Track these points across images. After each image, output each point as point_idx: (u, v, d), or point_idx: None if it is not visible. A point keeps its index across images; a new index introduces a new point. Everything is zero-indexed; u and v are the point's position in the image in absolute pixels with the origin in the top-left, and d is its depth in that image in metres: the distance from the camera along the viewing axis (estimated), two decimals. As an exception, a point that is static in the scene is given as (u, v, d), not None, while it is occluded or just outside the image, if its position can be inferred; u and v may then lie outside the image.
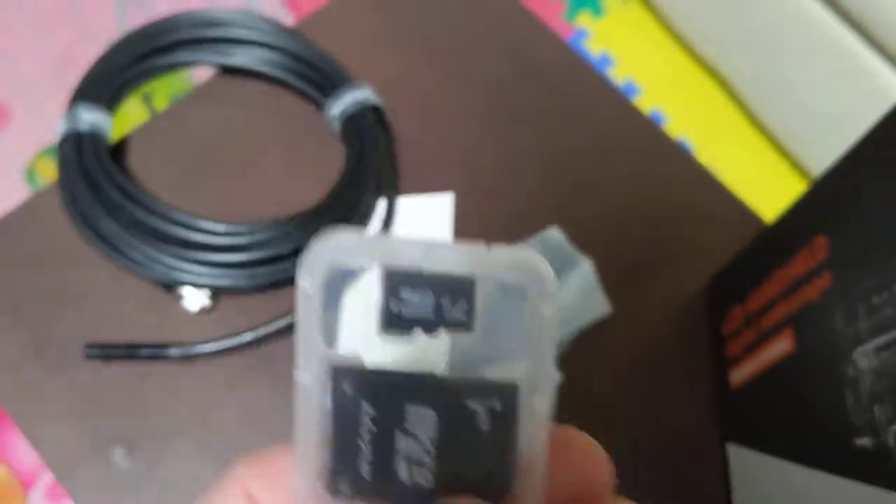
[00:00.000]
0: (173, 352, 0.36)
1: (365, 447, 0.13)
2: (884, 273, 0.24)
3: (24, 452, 0.85)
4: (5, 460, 0.85)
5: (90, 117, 0.38)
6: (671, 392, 0.39)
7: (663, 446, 0.38)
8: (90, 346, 0.36)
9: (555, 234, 0.40)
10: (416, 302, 0.13)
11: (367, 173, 0.39)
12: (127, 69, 0.40)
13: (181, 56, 0.41)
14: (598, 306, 0.39)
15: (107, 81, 0.39)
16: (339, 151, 0.42)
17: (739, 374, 0.36)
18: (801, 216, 0.32)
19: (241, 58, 0.42)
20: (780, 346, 0.32)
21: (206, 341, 0.36)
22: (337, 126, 0.41)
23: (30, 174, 1.01)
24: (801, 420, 0.30)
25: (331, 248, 0.13)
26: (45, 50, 1.09)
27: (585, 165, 0.44)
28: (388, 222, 0.40)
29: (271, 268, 0.37)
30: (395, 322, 0.13)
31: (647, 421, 0.38)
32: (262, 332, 0.37)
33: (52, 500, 0.84)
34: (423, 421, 0.13)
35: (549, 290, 0.13)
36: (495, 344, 0.13)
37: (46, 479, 0.85)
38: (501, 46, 0.47)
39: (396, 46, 0.46)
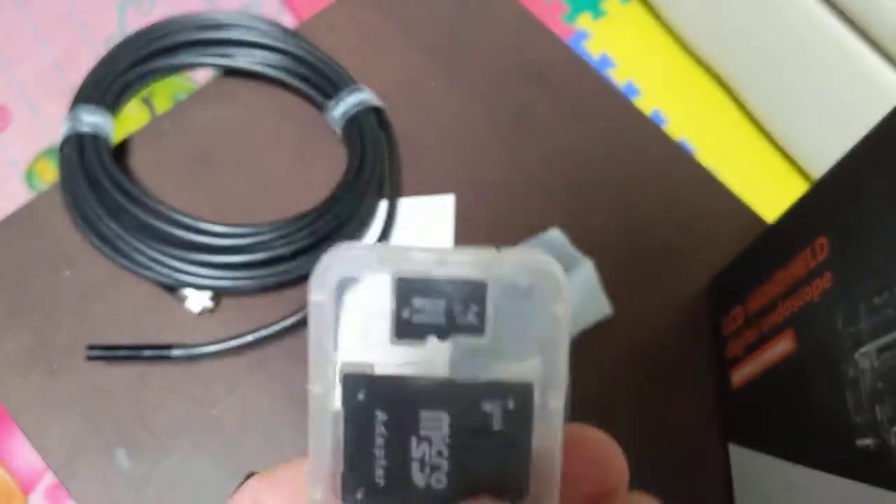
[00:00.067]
0: (176, 353, 0.36)
1: (379, 454, 0.13)
2: (885, 273, 0.24)
3: (24, 456, 0.85)
4: (6, 464, 0.85)
5: (92, 119, 0.38)
6: (672, 392, 0.39)
7: (665, 447, 0.38)
8: (92, 347, 0.36)
9: (556, 236, 0.40)
10: (428, 309, 0.13)
11: (368, 175, 0.39)
12: (129, 71, 0.40)
13: (183, 58, 0.41)
14: (600, 307, 0.39)
15: (109, 83, 0.40)
16: (340, 153, 0.42)
17: (740, 375, 0.36)
18: (802, 216, 0.32)
19: (242, 60, 0.42)
20: (781, 347, 0.32)
21: (208, 342, 0.36)
22: (338, 128, 0.41)
23: (29, 175, 1.01)
24: (802, 420, 0.30)
25: (341, 260, 0.13)
26: (45, 52, 1.09)
27: (587, 167, 0.44)
28: (389, 224, 0.40)
29: (273, 269, 0.37)
30: (407, 330, 0.13)
31: (649, 421, 0.38)
32: (263, 333, 0.37)
33: (52, 503, 0.84)
34: (437, 425, 0.13)
35: (561, 290, 0.13)
36: (508, 346, 0.13)
37: (46, 481, 0.84)
38: (503, 48, 0.47)
39: (398, 48, 0.46)
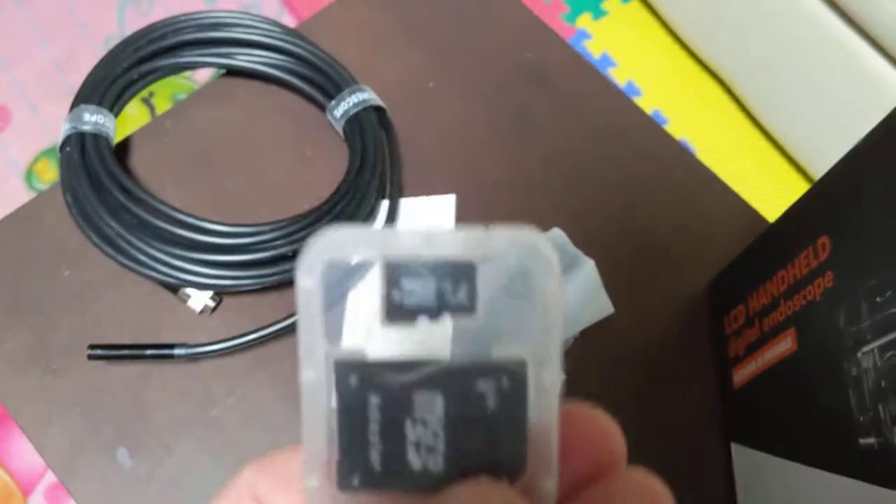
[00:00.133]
0: (178, 352, 0.36)
1: (374, 439, 0.13)
2: (887, 273, 0.24)
3: (23, 456, 0.85)
4: (5, 464, 0.85)
5: (93, 118, 0.38)
6: (673, 392, 0.39)
7: (666, 447, 0.38)
8: (93, 346, 0.36)
9: (558, 235, 0.40)
10: (418, 290, 0.13)
11: (369, 174, 0.39)
12: (129, 71, 0.40)
13: (185, 58, 0.41)
14: (602, 306, 0.39)
15: (109, 83, 0.39)
16: (341, 153, 0.42)
17: (742, 374, 0.36)
18: (803, 216, 0.32)
19: (243, 59, 0.42)
20: (783, 346, 0.32)
21: (210, 342, 0.36)
22: (340, 127, 0.41)
23: (29, 175, 1.01)
24: (804, 420, 0.30)
25: (328, 244, 0.13)
26: (45, 52, 1.09)
27: (588, 167, 0.44)
28: (390, 224, 0.40)
29: (274, 269, 0.37)
30: (397, 312, 0.13)
31: (650, 421, 0.38)
32: (264, 332, 0.37)
33: None
34: (431, 407, 0.13)
35: (551, 266, 0.13)
36: (500, 324, 0.13)
37: (45, 482, 0.84)
38: (504, 48, 0.47)
39: (398, 48, 0.46)
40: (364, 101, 0.41)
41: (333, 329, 0.13)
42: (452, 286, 0.13)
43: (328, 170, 0.42)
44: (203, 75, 1.04)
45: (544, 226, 0.41)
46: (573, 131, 0.45)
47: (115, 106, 0.40)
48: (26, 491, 0.84)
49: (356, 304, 0.12)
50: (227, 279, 0.36)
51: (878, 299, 0.25)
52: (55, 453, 0.35)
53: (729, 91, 1.07)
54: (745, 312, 0.36)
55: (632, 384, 0.39)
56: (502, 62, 0.46)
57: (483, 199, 0.42)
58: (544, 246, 0.13)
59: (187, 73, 1.05)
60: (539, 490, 0.13)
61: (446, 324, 0.13)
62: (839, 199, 0.29)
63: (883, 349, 0.24)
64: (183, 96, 0.43)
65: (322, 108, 0.42)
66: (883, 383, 0.24)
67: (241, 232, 0.36)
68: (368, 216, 0.40)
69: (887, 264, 0.25)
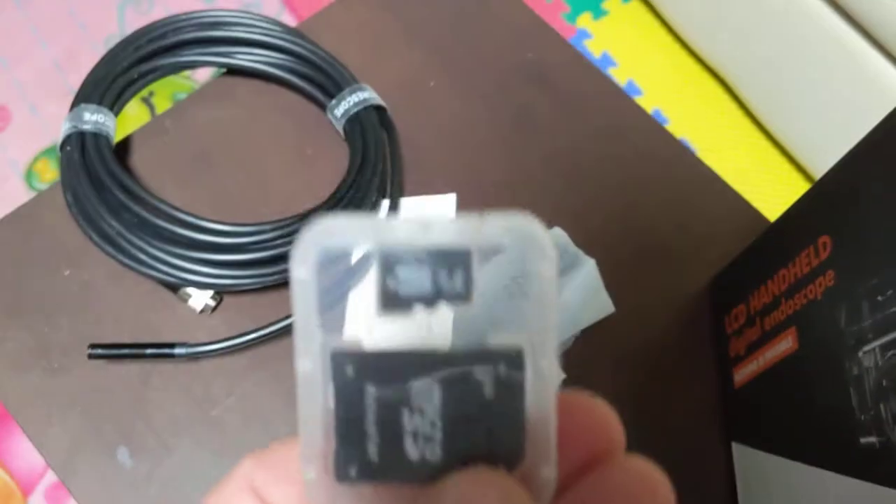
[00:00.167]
0: (179, 351, 0.36)
1: (371, 429, 0.13)
2: (888, 271, 0.24)
3: (23, 456, 0.85)
4: (5, 465, 0.85)
5: (94, 117, 0.38)
6: (674, 392, 0.39)
7: (667, 446, 0.38)
8: (93, 346, 0.36)
9: (559, 235, 0.40)
10: (414, 279, 0.13)
11: (370, 174, 0.39)
12: (130, 70, 0.40)
13: (185, 57, 0.41)
14: (603, 306, 0.39)
15: (109, 82, 0.39)
16: (342, 152, 0.42)
17: (743, 373, 0.36)
18: (804, 215, 0.32)
19: (243, 58, 0.42)
20: (784, 345, 0.32)
21: (210, 341, 0.36)
22: (340, 126, 0.41)
23: (29, 175, 1.01)
24: (805, 419, 0.30)
25: (322, 233, 0.12)
26: (45, 52, 1.09)
27: (589, 166, 0.44)
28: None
29: (275, 268, 0.37)
30: (393, 301, 0.13)
31: (651, 420, 0.38)
32: (265, 331, 0.37)
33: None
34: (428, 395, 0.13)
35: (546, 251, 0.12)
36: (496, 311, 0.13)
37: (46, 482, 0.84)
38: (505, 47, 0.47)
39: (398, 47, 0.46)
40: (365, 100, 0.41)
41: (329, 319, 0.13)
42: (448, 274, 0.13)
43: (329, 169, 0.41)
44: (203, 74, 1.04)
45: (545, 225, 0.41)
46: (574, 131, 0.45)
47: (115, 105, 0.39)
48: (26, 491, 0.84)
49: (351, 293, 0.12)
50: (227, 278, 0.36)
51: (880, 298, 0.25)
52: (55, 453, 0.35)
53: (729, 90, 1.07)
54: (746, 311, 0.36)
55: (632, 383, 0.39)
56: (503, 61, 0.46)
57: (483, 198, 0.42)
58: (539, 231, 0.13)
59: (187, 73, 1.05)
60: (538, 478, 0.13)
61: (442, 312, 0.13)
62: (840, 198, 0.29)
63: (884, 348, 0.24)
64: (183, 96, 0.43)
65: (322, 107, 0.42)
66: (884, 382, 0.24)
67: (241, 231, 0.36)
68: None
69: (888, 263, 0.25)
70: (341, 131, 0.41)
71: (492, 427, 0.13)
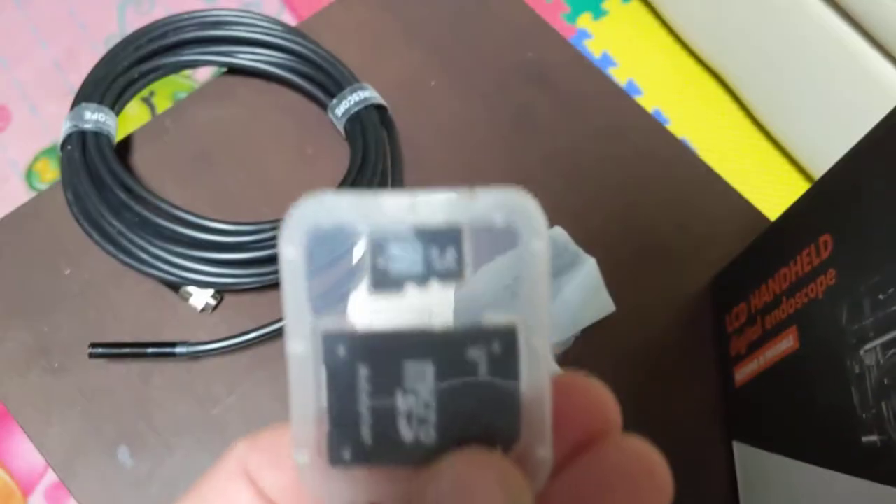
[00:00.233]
0: (180, 350, 0.36)
1: (364, 411, 0.13)
2: (889, 270, 0.24)
3: (23, 456, 0.85)
4: (5, 465, 0.85)
5: (94, 116, 0.38)
6: (674, 391, 0.39)
7: (667, 446, 0.38)
8: (94, 345, 0.36)
9: (559, 234, 0.40)
10: (405, 256, 0.12)
11: (371, 173, 0.39)
12: (130, 69, 0.40)
13: (185, 56, 0.41)
14: (603, 305, 0.39)
15: (110, 82, 0.39)
16: (342, 151, 0.42)
17: (744, 372, 0.36)
18: (805, 214, 0.32)
19: (244, 58, 0.42)
20: (785, 344, 0.32)
21: (211, 340, 0.36)
22: (341, 125, 0.41)
23: (29, 175, 1.01)
24: (806, 418, 0.30)
25: (311, 211, 0.12)
26: (45, 52, 1.09)
27: (590, 166, 0.44)
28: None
29: (276, 267, 0.37)
30: (384, 280, 0.12)
31: (651, 420, 0.38)
32: (266, 330, 0.37)
33: None
34: (422, 376, 0.12)
35: (538, 226, 0.12)
36: (489, 288, 0.12)
37: (46, 482, 0.84)
38: (505, 46, 0.47)
39: (398, 47, 0.46)
40: (365, 99, 0.41)
41: (319, 300, 0.13)
42: (440, 251, 0.12)
43: (329, 168, 0.41)
44: (203, 74, 1.04)
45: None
46: (574, 130, 0.45)
47: (116, 104, 0.39)
48: (26, 491, 0.84)
49: (342, 272, 0.11)
50: (228, 277, 0.36)
51: (881, 296, 0.25)
52: (56, 452, 0.35)
53: (730, 91, 1.07)
54: (747, 310, 0.36)
55: (633, 383, 0.39)
56: (503, 61, 0.46)
57: (484, 197, 0.42)
58: (532, 206, 0.12)
59: (188, 72, 1.05)
60: (533, 458, 0.13)
61: (435, 290, 0.12)
62: (841, 196, 0.29)
63: (886, 346, 0.24)
64: (183, 95, 0.43)
65: (323, 106, 0.42)
66: (885, 381, 0.24)
67: (242, 230, 0.36)
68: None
69: (889, 261, 0.25)
70: (342, 130, 0.41)
71: (486, 407, 0.13)
